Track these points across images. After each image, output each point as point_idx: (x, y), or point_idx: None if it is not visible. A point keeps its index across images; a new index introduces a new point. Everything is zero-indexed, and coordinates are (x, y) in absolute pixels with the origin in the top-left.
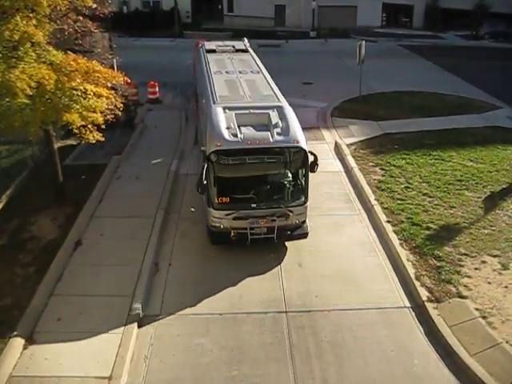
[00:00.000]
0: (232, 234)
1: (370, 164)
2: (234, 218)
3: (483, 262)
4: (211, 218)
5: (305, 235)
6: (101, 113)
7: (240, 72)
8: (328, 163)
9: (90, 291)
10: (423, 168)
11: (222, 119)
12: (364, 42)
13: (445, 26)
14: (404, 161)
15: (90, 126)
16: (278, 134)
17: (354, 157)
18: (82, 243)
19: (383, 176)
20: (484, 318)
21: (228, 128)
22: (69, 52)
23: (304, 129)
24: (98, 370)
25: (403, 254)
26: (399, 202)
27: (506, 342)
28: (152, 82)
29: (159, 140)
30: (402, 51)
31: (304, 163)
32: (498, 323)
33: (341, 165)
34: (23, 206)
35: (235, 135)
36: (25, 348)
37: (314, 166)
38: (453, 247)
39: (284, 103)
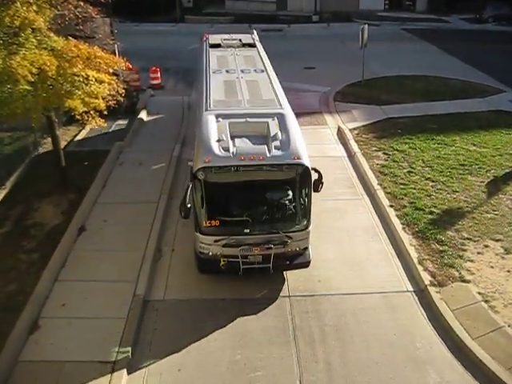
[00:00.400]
0: (222, 262)
1: (373, 149)
2: (224, 245)
3: (486, 246)
4: (199, 243)
5: (306, 264)
6: (103, 99)
7: (242, 71)
8: (331, 148)
9: (94, 277)
10: (426, 152)
11: (214, 129)
12: (367, 25)
13: (448, 10)
14: (407, 145)
15: (92, 112)
16: (277, 147)
17: (356, 141)
18: (86, 229)
19: (386, 161)
20: (486, 301)
21: (219, 140)
22: (70, 38)
23: (307, 113)
24: (102, 355)
25: (406, 238)
26: (402, 186)
27: (508, 326)
28: (154, 68)
29: (162, 125)
30: (405, 35)
31: (306, 182)
32: (500, 307)
33: (344, 150)
34: (26, 192)
35: (227, 149)
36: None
37: (318, 185)
38: (455, 231)
39: (286, 110)
